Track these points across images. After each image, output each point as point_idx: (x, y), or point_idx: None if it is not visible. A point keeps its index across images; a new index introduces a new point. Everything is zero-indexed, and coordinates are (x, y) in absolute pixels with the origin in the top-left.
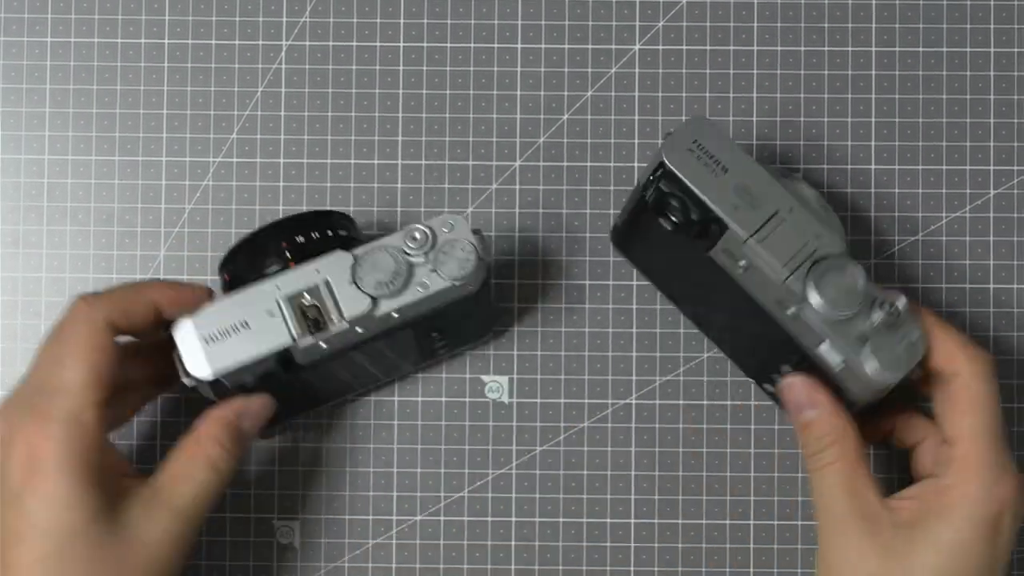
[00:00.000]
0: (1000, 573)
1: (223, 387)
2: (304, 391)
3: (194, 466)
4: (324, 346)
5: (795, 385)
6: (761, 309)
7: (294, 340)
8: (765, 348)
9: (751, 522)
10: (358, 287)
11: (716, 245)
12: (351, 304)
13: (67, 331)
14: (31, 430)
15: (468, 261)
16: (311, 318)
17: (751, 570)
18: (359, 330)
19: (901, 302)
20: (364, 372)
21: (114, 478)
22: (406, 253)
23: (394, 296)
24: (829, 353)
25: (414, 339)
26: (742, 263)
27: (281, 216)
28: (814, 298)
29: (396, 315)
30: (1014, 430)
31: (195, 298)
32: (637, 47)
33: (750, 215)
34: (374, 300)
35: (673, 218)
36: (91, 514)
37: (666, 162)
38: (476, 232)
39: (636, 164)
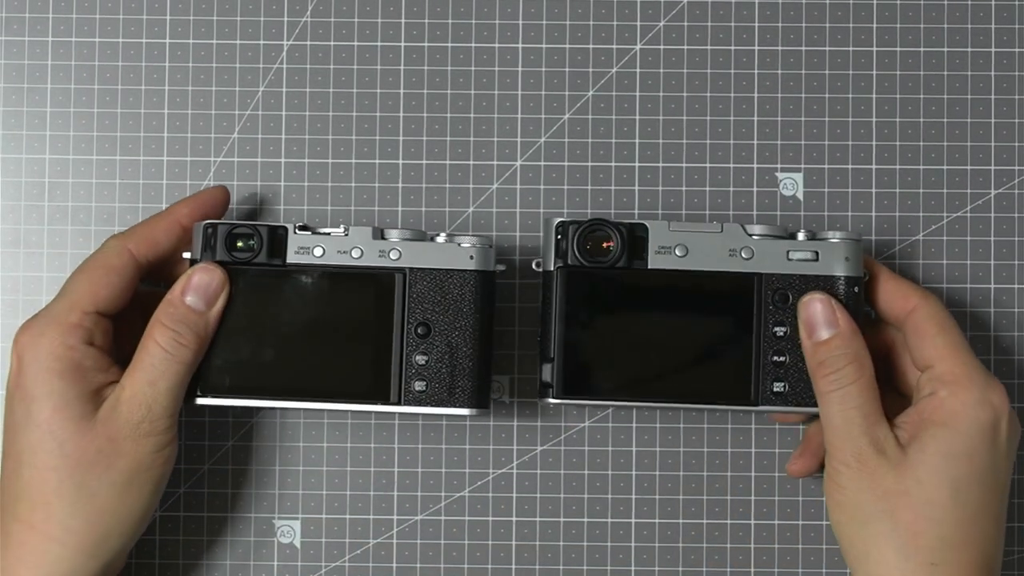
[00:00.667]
0: (1002, 476)
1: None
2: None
3: (149, 356)
4: (317, 253)
5: (815, 301)
6: (719, 297)
7: (294, 225)
8: (737, 351)
9: (752, 522)
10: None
11: (648, 252)
12: (359, 233)
13: (89, 258)
14: (24, 337)
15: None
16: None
17: (752, 570)
18: (355, 253)
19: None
20: (334, 352)
21: (94, 377)
22: None
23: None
24: (797, 254)
25: (401, 315)
26: (678, 250)
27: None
28: (753, 226)
29: (397, 253)
30: None
31: (213, 200)
32: (638, 47)
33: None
34: (382, 231)
35: (604, 250)
36: (66, 406)
37: (555, 219)
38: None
39: (637, 164)
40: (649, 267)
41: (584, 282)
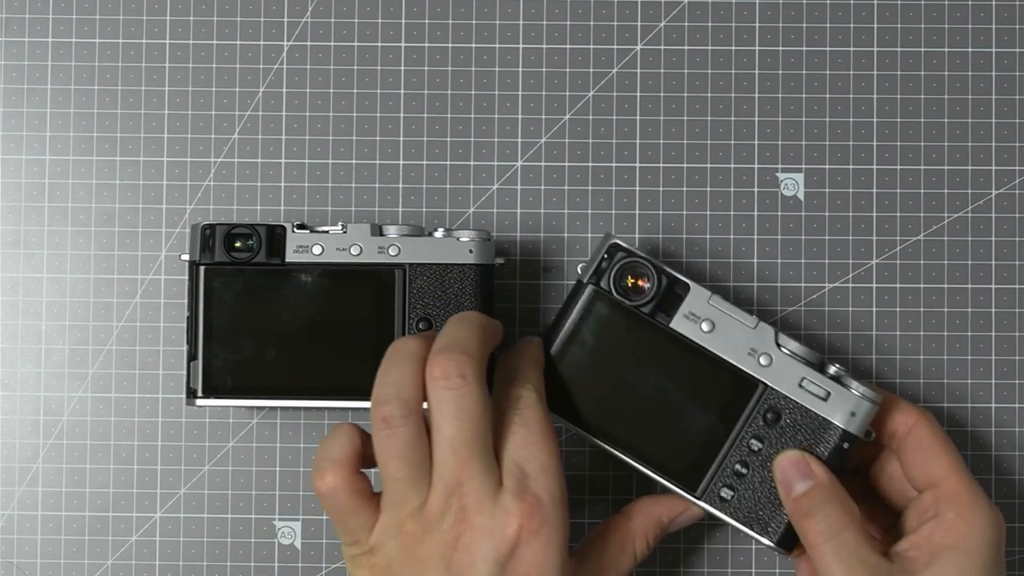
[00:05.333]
0: None
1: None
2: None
3: (623, 556)
4: (316, 251)
5: (787, 459)
6: (718, 385)
7: (292, 224)
8: (709, 443)
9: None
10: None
11: (677, 312)
12: (357, 230)
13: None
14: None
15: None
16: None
17: (752, 571)
18: (353, 250)
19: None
20: (330, 355)
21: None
22: None
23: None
24: (811, 385)
25: (402, 311)
26: (705, 324)
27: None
28: (786, 338)
29: (396, 249)
30: (1016, 431)
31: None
32: (639, 47)
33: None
34: (380, 228)
35: (638, 288)
36: None
37: (614, 238)
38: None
39: (638, 164)
40: (671, 326)
41: (603, 309)
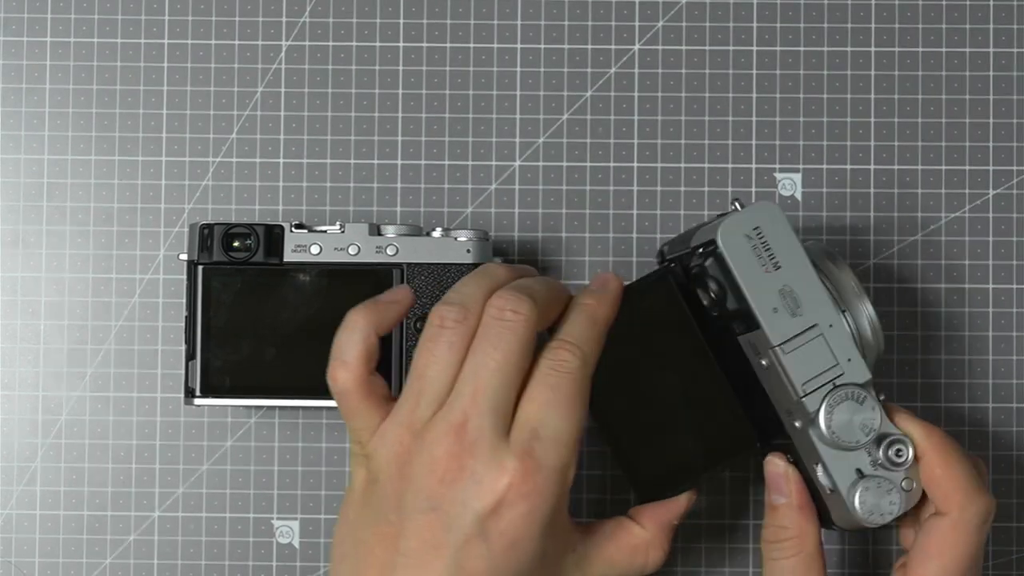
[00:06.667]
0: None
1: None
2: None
3: (631, 561)
4: (314, 251)
5: (774, 464)
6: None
7: (290, 224)
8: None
9: (751, 522)
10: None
11: (744, 335)
12: (355, 230)
13: None
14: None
15: None
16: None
17: (750, 570)
18: (352, 250)
19: (908, 451)
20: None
21: (564, 524)
22: None
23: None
24: (823, 476)
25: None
26: (764, 362)
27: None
28: (823, 422)
29: (394, 249)
30: (1014, 431)
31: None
32: (636, 47)
33: (787, 322)
34: (378, 228)
35: (711, 289)
36: (541, 556)
37: (719, 244)
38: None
39: (635, 164)
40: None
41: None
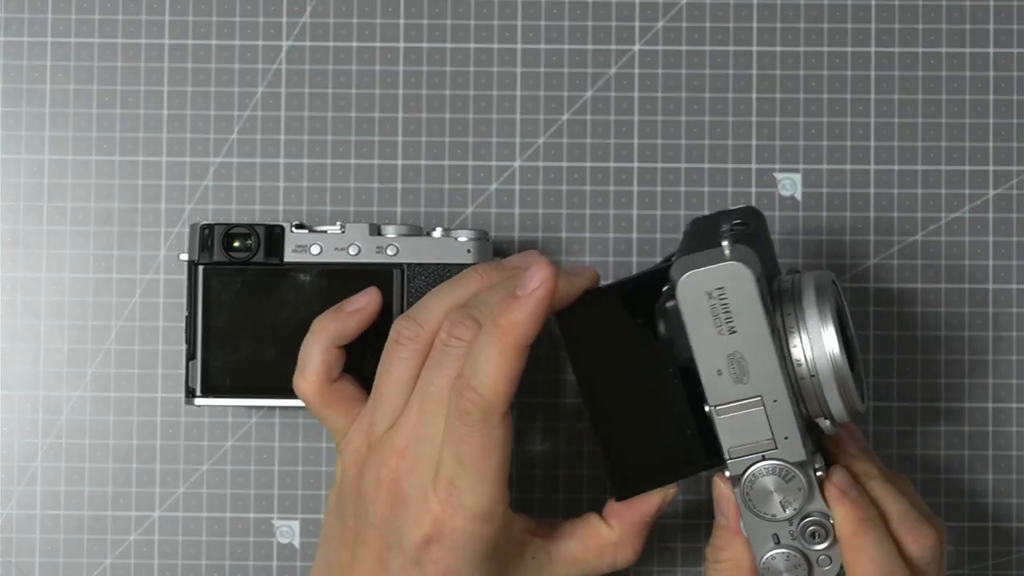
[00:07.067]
0: None
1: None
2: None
3: (598, 561)
4: (315, 251)
5: (717, 487)
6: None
7: (290, 224)
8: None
9: None
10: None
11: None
12: (356, 230)
13: None
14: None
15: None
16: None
17: None
18: (352, 250)
19: (828, 534)
20: None
21: (513, 544)
22: None
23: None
24: (744, 528)
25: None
26: (707, 408)
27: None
28: (742, 489)
29: (395, 249)
30: (1013, 430)
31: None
32: (636, 48)
33: (728, 387)
34: (379, 228)
35: (662, 330)
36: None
37: (676, 296)
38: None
39: (636, 165)
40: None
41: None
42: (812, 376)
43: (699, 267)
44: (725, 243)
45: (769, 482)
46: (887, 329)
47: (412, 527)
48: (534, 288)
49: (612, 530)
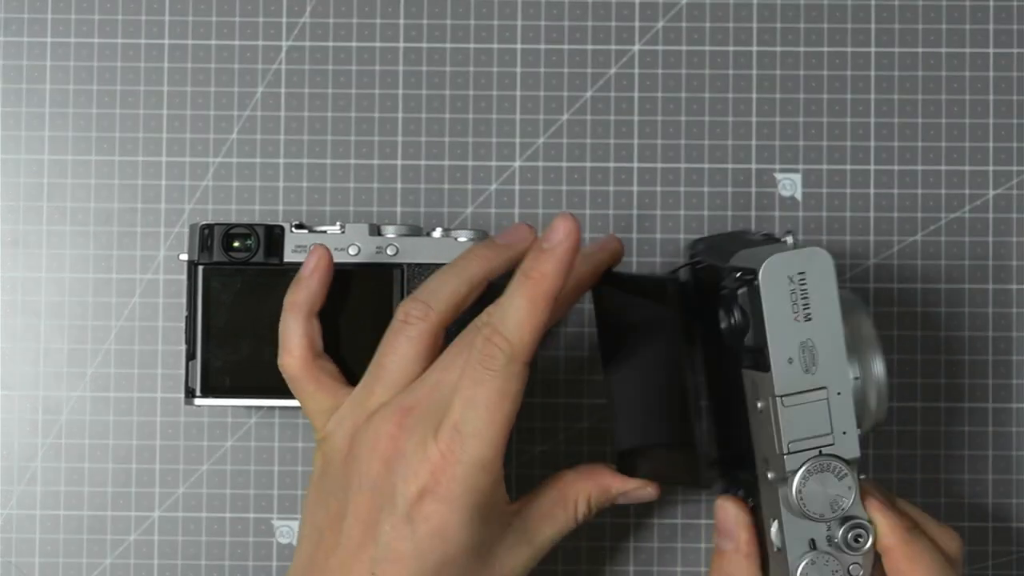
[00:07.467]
0: None
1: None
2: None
3: (563, 511)
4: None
5: (725, 510)
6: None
7: (290, 224)
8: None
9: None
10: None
11: (749, 369)
12: (355, 230)
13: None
14: (436, 458)
15: None
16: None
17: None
18: (352, 250)
19: (869, 539)
20: None
21: (499, 508)
22: None
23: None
24: (775, 534)
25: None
26: (760, 404)
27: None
28: (795, 485)
29: (394, 249)
30: (1013, 431)
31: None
32: (636, 48)
33: (798, 376)
34: (378, 228)
35: (734, 317)
36: (473, 544)
37: (759, 279)
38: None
39: (636, 165)
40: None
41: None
42: (856, 379)
43: (781, 251)
44: (788, 239)
45: (823, 479)
46: (887, 329)
47: (408, 480)
48: (560, 240)
49: (575, 472)
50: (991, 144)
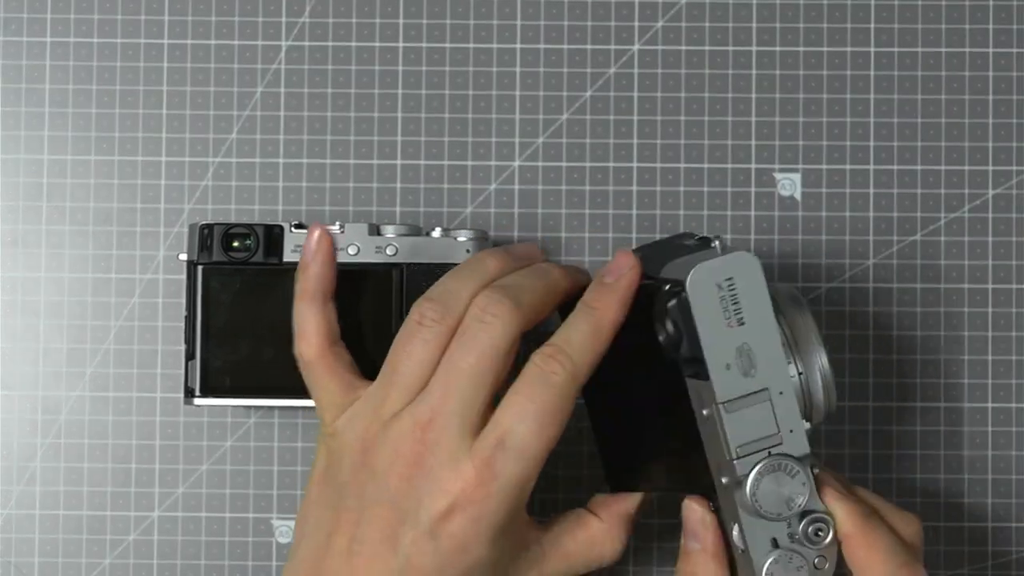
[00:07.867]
0: None
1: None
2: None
3: (588, 554)
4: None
5: (691, 510)
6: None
7: (290, 224)
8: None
9: None
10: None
11: (691, 379)
12: (355, 230)
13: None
14: (470, 475)
15: None
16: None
17: None
18: (351, 250)
19: (829, 531)
20: None
21: (522, 528)
22: None
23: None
24: (737, 537)
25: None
26: (705, 412)
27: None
28: (748, 488)
29: (394, 249)
30: (1013, 430)
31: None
32: (636, 47)
33: (737, 381)
34: (378, 228)
35: (668, 330)
36: (492, 560)
37: (687, 290)
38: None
39: (635, 164)
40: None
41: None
42: (800, 374)
43: (706, 260)
44: (715, 244)
45: (776, 479)
46: (886, 329)
47: (435, 496)
48: (621, 275)
49: (599, 520)
50: (991, 144)
